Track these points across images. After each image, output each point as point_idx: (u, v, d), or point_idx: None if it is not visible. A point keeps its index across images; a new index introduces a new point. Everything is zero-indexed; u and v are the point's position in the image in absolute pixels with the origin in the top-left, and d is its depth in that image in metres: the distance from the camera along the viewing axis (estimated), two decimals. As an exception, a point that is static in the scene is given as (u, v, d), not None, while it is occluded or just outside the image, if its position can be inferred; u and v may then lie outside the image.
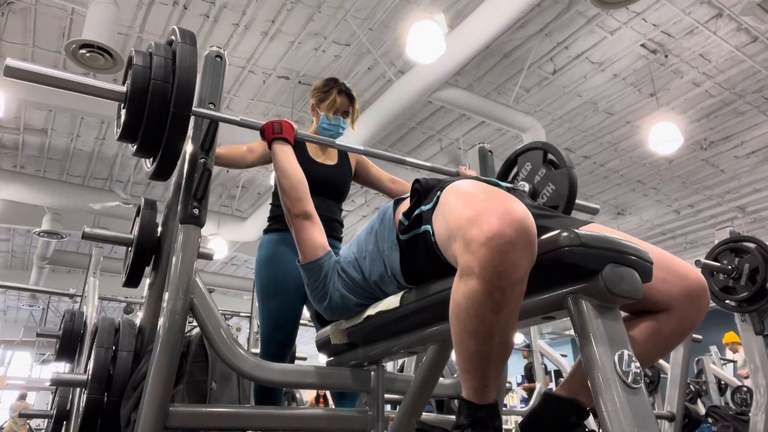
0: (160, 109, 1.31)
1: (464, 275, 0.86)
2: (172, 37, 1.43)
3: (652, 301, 1.00)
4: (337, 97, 2.20)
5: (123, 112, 1.37)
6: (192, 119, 1.45)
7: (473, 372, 0.91)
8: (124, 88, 1.37)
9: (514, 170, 1.77)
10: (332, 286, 1.37)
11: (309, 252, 1.41)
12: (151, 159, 1.46)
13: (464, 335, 0.88)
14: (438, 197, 1.07)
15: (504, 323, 0.86)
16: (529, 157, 1.72)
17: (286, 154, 1.53)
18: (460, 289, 0.87)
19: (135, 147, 1.39)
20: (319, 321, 1.62)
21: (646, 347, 0.99)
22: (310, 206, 1.47)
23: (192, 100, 1.35)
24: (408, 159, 1.90)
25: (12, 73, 1.28)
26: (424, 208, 1.11)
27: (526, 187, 1.67)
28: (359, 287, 1.32)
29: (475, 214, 0.86)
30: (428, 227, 1.07)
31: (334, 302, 1.37)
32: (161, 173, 1.43)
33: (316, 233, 1.44)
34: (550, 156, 1.66)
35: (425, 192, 1.14)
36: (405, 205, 1.21)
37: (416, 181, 1.18)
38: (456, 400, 1.00)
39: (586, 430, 0.99)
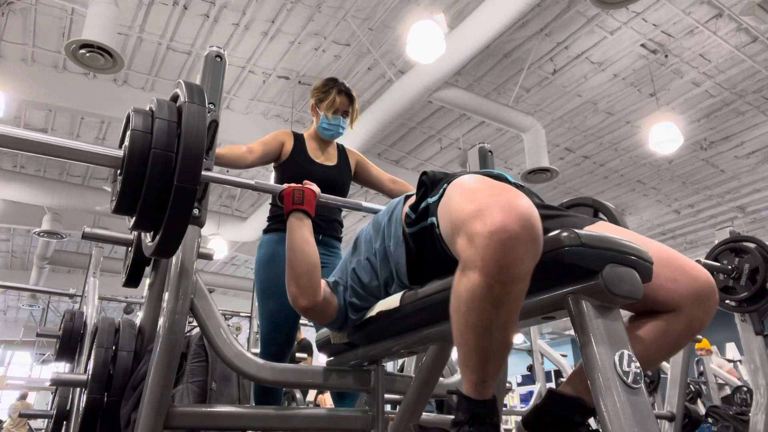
0: (162, 181, 1.13)
1: (466, 268, 0.86)
2: (177, 91, 1.26)
3: (660, 302, 0.99)
4: (336, 96, 2.20)
5: (119, 179, 1.20)
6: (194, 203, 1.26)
7: (473, 367, 0.90)
8: (120, 152, 1.18)
9: None
10: (347, 313, 1.33)
11: (324, 321, 1.35)
12: (152, 234, 1.28)
13: (464, 329, 0.88)
14: (444, 189, 1.06)
15: (504, 319, 0.86)
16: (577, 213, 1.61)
17: (304, 230, 1.36)
18: (462, 283, 0.87)
19: (132, 221, 1.21)
20: (319, 321, 1.62)
21: (653, 348, 0.98)
22: (321, 294, 1.30)
23: (200, 171, 1.16)
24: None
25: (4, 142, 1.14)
26: (430, 200, 1.11)
27: None
28: (369, 292, 1.30)
29: (478, 208, 0.85)
30: (434, 219, 1.07)
31: (351, 322, 1.35)
32: (163, 251, 1.23)
33: (328, 311, 1.31)
34: (601, 215, 1.55)
35: (432, 184, 1.13)
36: (413, 200, 1.21)
37: (423, 173, 1.17)
38: (454, 396, 0.99)
39: (590, 428, 0.99)
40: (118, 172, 1.20)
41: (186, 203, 1.15)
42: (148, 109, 1.22)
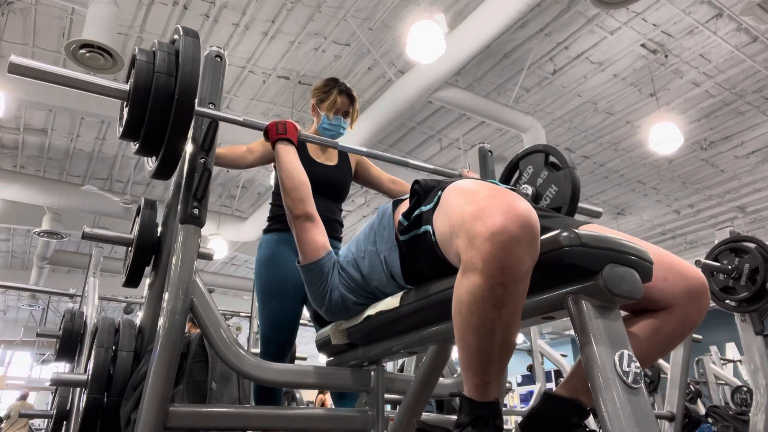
0: (164, 102, 1.31)
1: (467, 271, 0.86)
2: (175, 36, 1.44)
3: (652, 300, 1.00)
4: (337, 97, 2.20)
5: (126, 110, 1.37)
6: (192, 120, 1.44)
7: (475, 369, 0.90)
8: (127, 86, 1.37)
9: (516, 174, 1.77)
10: (332, 285, 1.37)
11: (310, 253, 1.41)
12: (153, 157, 1.46)
13: (466, 331, 0.88)
14: (439, 197, 1.06)
15: (506, 320, 0.86)
16: (531, 161, 1.71)
17: (289, 154, 1.54)
18: (463, 285, 0.87)
19: (137, 145, 1.39)
20: (319, 321, 1.62)
21: (647, 346, 0.99)
22: (312, 207, 1.47)
23: (196, 91, 1.35)
24: (411, 161, 1.90)
25: (16, 70, 1.28)
26: (424, 208, 1.11)
27: (529, 190, 1.67)
28: (359, 287, 1.32)
29: (478, 210, 0.86)
30: (428, 227, 1.07)
31: (334, 302, 1.36)
32: (163, 171, 1.42)
33: (318, 234, 1.43)
34: (551, 158, 1.65)
35: (425, 193, 1.14)
36: (404, 206, 1.21)
37: (416, 182, 1.18)
38: (457, 398, 0.99)
39: (587, 430, 0.99)
40: (125, 103, 1.38)
41: (184, 122, 1.34)
42: (150, 48, 1.41)
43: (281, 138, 1.57)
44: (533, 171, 1.69)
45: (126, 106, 1.37)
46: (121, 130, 1.39)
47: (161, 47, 1.38)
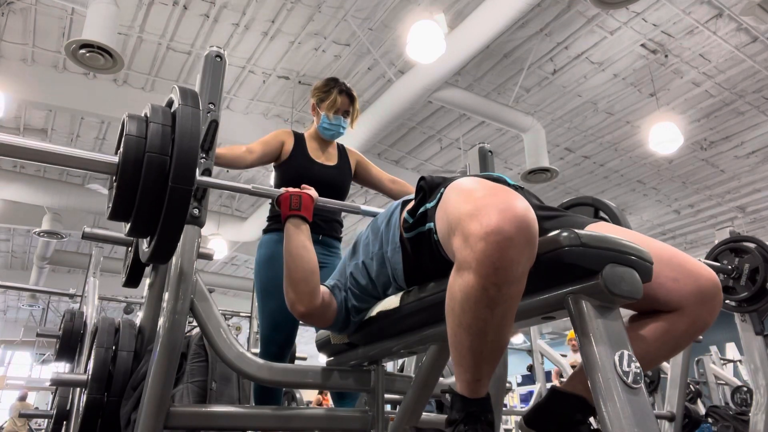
0: (156, 184, 1.12)
1: (461, 269, 0.85)
2: (172, 96, 1.26)
3: (662, 301, 0.98)
4: (337, 96, 2.20)
5: (114, 185, 1.19)
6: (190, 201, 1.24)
7: (466, 366, 0.90)
8: (116, 159, 1.17)
9: None
10: (348, 316, 1.33)
11: (325, 326, 1.35)
12: (147, 239, 1.27)
13: (458, 329, 0.88)
14: (441, 194, 1.05)
15: (499, 321, 0.85)
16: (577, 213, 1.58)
17: (301, 237, 1.36)
18: (457, 283, 0.86)
19: (128, 227, 1.21)
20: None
21: (655, 347, 0.98)
22: (319, 299, 1.29)
23: (194, 173, 1.16)
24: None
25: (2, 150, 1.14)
26: (428, 205, 1.10)
27: None
28: (367, 294, 1.31)
29: (474, 209, 0.84)
30: (432, 225, 1.06)
31: (352, 325, 1.35)
32: (158, 256, 1.22)
33: (327, 315, 1.30)
34: (602, 214, 1.50)
35: (430, 190, 1.13)
36: (411, 205, 1.21)
37: (422, 178, 1.16)
38: (447, 395, 0.99)
39: (591, 427, 0.98)
40: (114, 178, 1.19)
41: (181, 206, 1.14)
42: (142, 114, 1.21)
43: (294, 215, 1.39)
44: None
45: (114, 182, 1.18)
46: (109, 208, 1.19)
47: (154, 116, 1.16)
